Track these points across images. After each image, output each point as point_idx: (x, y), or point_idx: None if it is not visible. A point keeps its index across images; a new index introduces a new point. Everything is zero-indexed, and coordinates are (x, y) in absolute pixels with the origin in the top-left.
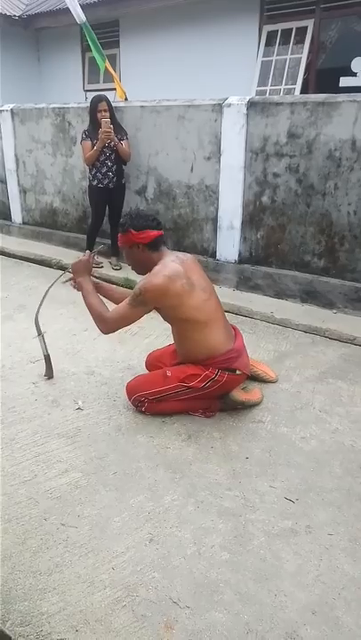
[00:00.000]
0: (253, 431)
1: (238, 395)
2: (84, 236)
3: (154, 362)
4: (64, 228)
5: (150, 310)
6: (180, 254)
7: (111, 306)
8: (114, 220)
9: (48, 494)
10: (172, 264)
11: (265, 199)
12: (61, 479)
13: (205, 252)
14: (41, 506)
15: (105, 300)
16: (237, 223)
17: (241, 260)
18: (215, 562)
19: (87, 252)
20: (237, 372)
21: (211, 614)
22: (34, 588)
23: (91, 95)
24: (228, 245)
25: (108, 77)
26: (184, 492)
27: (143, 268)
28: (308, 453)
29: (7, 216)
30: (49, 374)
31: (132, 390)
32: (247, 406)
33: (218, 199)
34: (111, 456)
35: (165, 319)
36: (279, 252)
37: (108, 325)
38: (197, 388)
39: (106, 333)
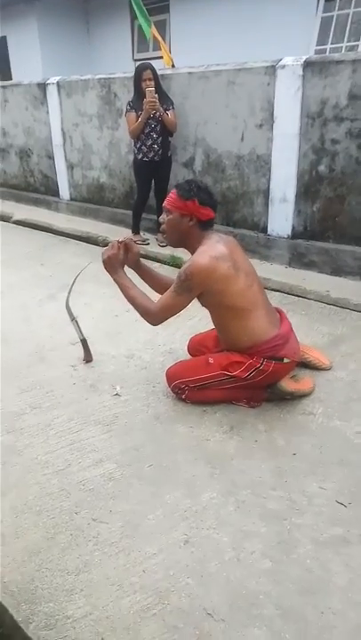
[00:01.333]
0: (303, 424)
1: (287, 384)
2: (131, 212)
3: (197, 346)
4: (111, 203)
5: (196, 296)
6: (223, 236)
7: (153, 295)
8: (160, 194)
9: (81, 486)
10: (217, 245)
11: (322, 168)
12: (95, 470)
13: (256, 226)
14: (73, 498)
15: (148, 288)
16: (291, 195)
17: (294, 235)
18: (255, 570)
19: (114, 241)
20: (285, 359)
21: (248, 630)
22: (60, 588)
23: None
24: (281, 219)
25: (158, 46)
26: (224, 489)
27: (182, 241)
28: None
29: (55, 192)
30: (88, 358)
31: (172, 376)
32: (296, 397)
33: (270, 170)
34: (148, 447)
35: (205, 305)
36: (337, 226)
37: (154, 318)
38: (241, 378)
39: (155, 325)
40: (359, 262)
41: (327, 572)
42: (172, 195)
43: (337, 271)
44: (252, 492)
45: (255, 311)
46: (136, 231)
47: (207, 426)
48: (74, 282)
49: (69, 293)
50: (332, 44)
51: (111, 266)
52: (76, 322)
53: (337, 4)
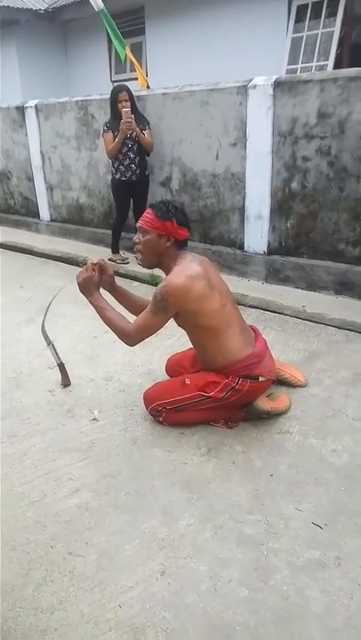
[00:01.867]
0: (279, 444)
1: (263, 403)
2: (110, 232)
3: (174, 367)
4: (91, 223)
5: (172, 316)
6: (197, 255)
7: (129, 316)
8: (139, 213)
9: (57, 517)
10: (192, 264)
11: (294, 185)
12: (71, 500)
13: (233, 243)
14: (48, 531)
15: (124, 310)
16: (266, 212)
17: (270, 251)
18: (232, 600)
19: (89, 263)
20: (260, 378)
21: None
22: (34, 628)
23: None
24: (257, 236)
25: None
26: (201, 515)
27: (157, 261)
28: (340, 469)
29: (36, 214)
30: (65, 382)
31: (149, 399)
32: (273, 415)
33: (245, 187)
34: (125, 473)
35: (181, 325)
36: (310, 242)
37: (131, 339)
38: (218, 398)
39: (132, 346)
40: (333, 277)
41: (304, 598)
42: (149, 215)
43: (312, 286)
44: (230, 517)
45: (229, 330)
46: (116, 250)
47: (185, 449)
48: (49, 306)
49: (45, 317)
50: (302, 63)
51: (86, 288)
52: (53, 346)
53: (306, 25)
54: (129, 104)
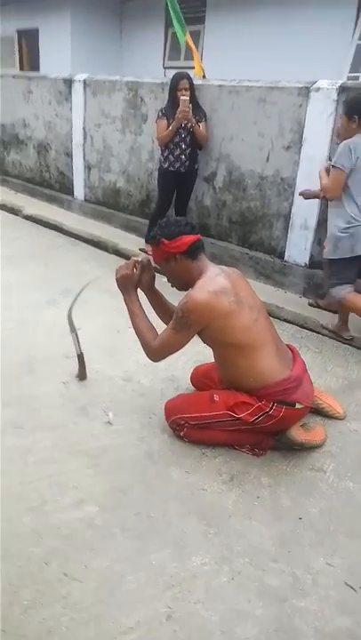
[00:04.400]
0: (311, 482)
1: (297, 433)
2: (145, 221)
3: (201, 378)
4: (126, 209)
5: (196, 332)
6: (225, 268)
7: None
8: (180, 206)
9: (55, 529)
10: (217, 278)
11: None
12: (74, 512)
13: (273, 251)
14: (45, 544)
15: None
16: (312, 222)
17: (312, 265)
18: None
19: (132, 259)
20: (297, 405)
21: None
22: None
23: (170, 72)
24: (300, 246)
25: (190, 55)
26: (218, 554)
27: (184, 282)
28: None
29: (70, 191)
30: (81, 375)
31: (171, 410)
32: (306, 448)
33: (293, 194)
34: (136, 490)
35: (206, 342)
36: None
37: (153, 354)
38: (247, 422)
39: (154, 361)
40: None
41: None
42: (149, 250)
43: None
44: (250, 562)
45: (262, 349)
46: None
47: (205, 472)
48: (79, 294)
49: (73, 304)
50: None
51: (124, 286)
52: (76, 335)
53: None
54: (188, 93)
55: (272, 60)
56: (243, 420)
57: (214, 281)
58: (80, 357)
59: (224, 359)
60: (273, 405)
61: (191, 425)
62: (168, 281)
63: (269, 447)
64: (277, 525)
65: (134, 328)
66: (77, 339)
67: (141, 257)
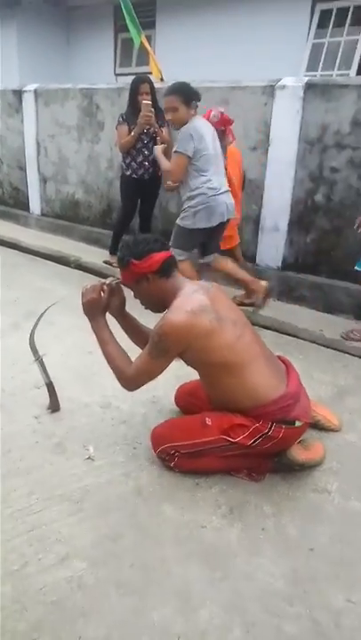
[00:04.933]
0: (317, 506)
1: (297, 453)
2: (108, 232)
3: (186, 397)
4: (86, 221)
5: (175, 357)
6: (203, 283)
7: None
8: (144, 216)
9: (41, 595)
10: (194, 295)
11: (319, 198)
12: (60, 571)
13: (244, 255)
14: (30, 615)
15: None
16: (283, 224)
17: (285, 267)
18: None
19: (99, 282)
20: (297, 422)
21: None
22: None
23: (122, 79)
24: (271, 249)
25: (142, 61)
26: (227, 603)
27: (159, 303)
28: None
29: (25, 206)
30: (54, 406)
31: (159, 439)
32: (306, 467)
33: (262, 196)
34: (128, 536)
35: (189, 364)
36: (332, 260)
37: (129, 384)
38: (244, 446)
39: (130, 391)
40: (353, 300)
41: None
42: (115, 262)
43: (329, 308)
44: (264, 609)
45: (251, 365)
46: (114, 252)
47: (201, 506)
48: (41, 316)
49: (34, 328)
50: (322, 70)
51: (90, 311)
52: (41, 362)
53: (329, 32)
54: (150, 97)
55: (228, 62)
56: (239, 444)
57: (192, 299)
58: (49, 386)
59: (211, 379)
60: (272, 426)
61: (182, 454)
62: (141, 303)
63: (268, 470)
64: (288, 561)
65: (105, 357)
66: (43, 365)
67: (109, 279)
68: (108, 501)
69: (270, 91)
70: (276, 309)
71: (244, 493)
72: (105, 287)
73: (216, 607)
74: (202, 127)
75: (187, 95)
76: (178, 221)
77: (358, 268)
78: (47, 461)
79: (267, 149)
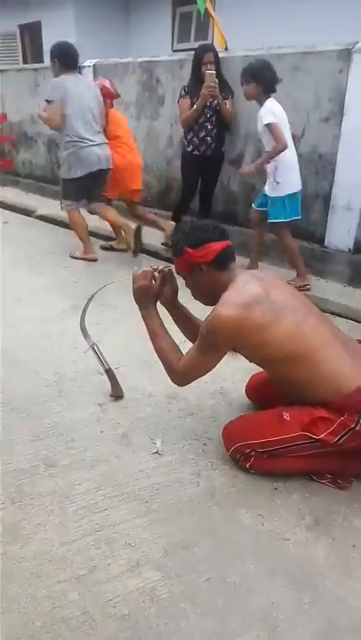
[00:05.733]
0: None
1: None
2: (167, 213)
3: (259, 389)
4: (144, 202)
5: (226, 352)
6: (257, 272)
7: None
8: (205, 194)
9: (111, 607)
10: (246, 287)
11: None
12: (131, 579)
13: (311, 236)
14: (99, 631)
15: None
16: (357, 203)
17: (357, 250)
18: None
19: (150, 268)
20: None
21: None
22: None
23: (179, 55)
24: (342, 230)
25: (200, 35)
26: (319, 632)
27: (213, 295)
28: None
29: None
30: (116, 393)
31: (232, 437)
32: None
33: (334, 172)
34: (202, 545)
35: (251, 360)
36: None
37: (178, 379)
38: (328, 443)
39: (180, 386)
40: None
41: None
42: (174, 260)
43: None
44: None
45: (323, 350)
46: None
47: (282, 515)
48: (90, 300)
49: (84, 313)
50: None
51: (141, 299)
52: (95, 348)
53: None
54: (214, 67)
55: (301, 30)
56: (323, 441)
57: (243, 291)
58: (109, 372)
59: (279, 376)
60: (359, 418)
61: (259, 453)
62: (192, 294)
63: (354, 475)
64: None
65: (155, 349)
66: (98, 353)
67: (161, 266)
68: (179, 503)
69: (347, 55)
70: (348, 296)
71: (331, 503)
72: (157, 274)
73: (308, 637)
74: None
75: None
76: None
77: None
78: (113, 454)
79: (340, 120)
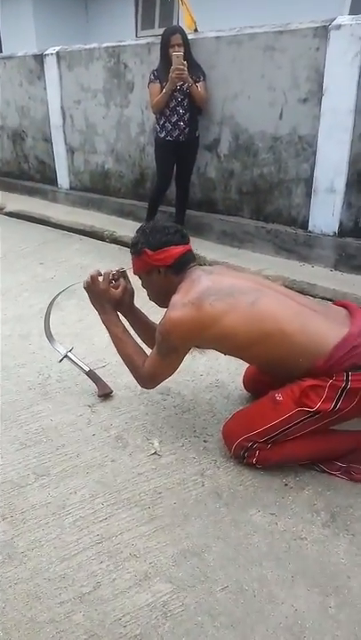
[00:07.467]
0: None
1: None
2: (142, 204)
3: (255, 379)
4: (118, 193)
5: (187, 352)
6: (207, 267)
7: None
8: (181, 181)
9: (121, 627)
10: (194, 284)
11: None
12: (140, 594)
13: (294, 221)
14: None
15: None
16: (340, 185)
17: (342, 233)
18: None
19: (105, 272)
20: None
21: None
22: None
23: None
24: (326, 213)
25: (165, 22)
26: (349, 638)
27: (166, 298)
28: None
29: (53, 180)
30: (103, 391)
31: (232, 434)
32: None
33: (315, 154)
34: (214, 550)
35: (222, 352)
36: None
37: (145, 383)
38: (328, 411)
39: (147, 389)
40: None
41: None
42: (131, 257)
43: None
44: None
45: (292, 321)
46: None
47: (295, 512)
48: (53, 300)
49: (48, 320)
50: None
51: (96, 302)
52: (70, 354)
53: None
54: (182, 49)
55: (268, 6)
56: (321, 411)
57: (190, 289)
58: (90, 374)
59: (257, 360)
60: (348, 375)
61: (261, 443)
62: (148, 295)
63: None
64: None
65: (121, 355)
66: (74, 358)
67: (117, 268)
68: (184, 506)
69: (323, 32)
70: (334, 280)
71: (346, 496)
72: (113, 277)
73: None
74: None
75: None
76: None
77: None
78: (108, 458)
79: (320, 100)
